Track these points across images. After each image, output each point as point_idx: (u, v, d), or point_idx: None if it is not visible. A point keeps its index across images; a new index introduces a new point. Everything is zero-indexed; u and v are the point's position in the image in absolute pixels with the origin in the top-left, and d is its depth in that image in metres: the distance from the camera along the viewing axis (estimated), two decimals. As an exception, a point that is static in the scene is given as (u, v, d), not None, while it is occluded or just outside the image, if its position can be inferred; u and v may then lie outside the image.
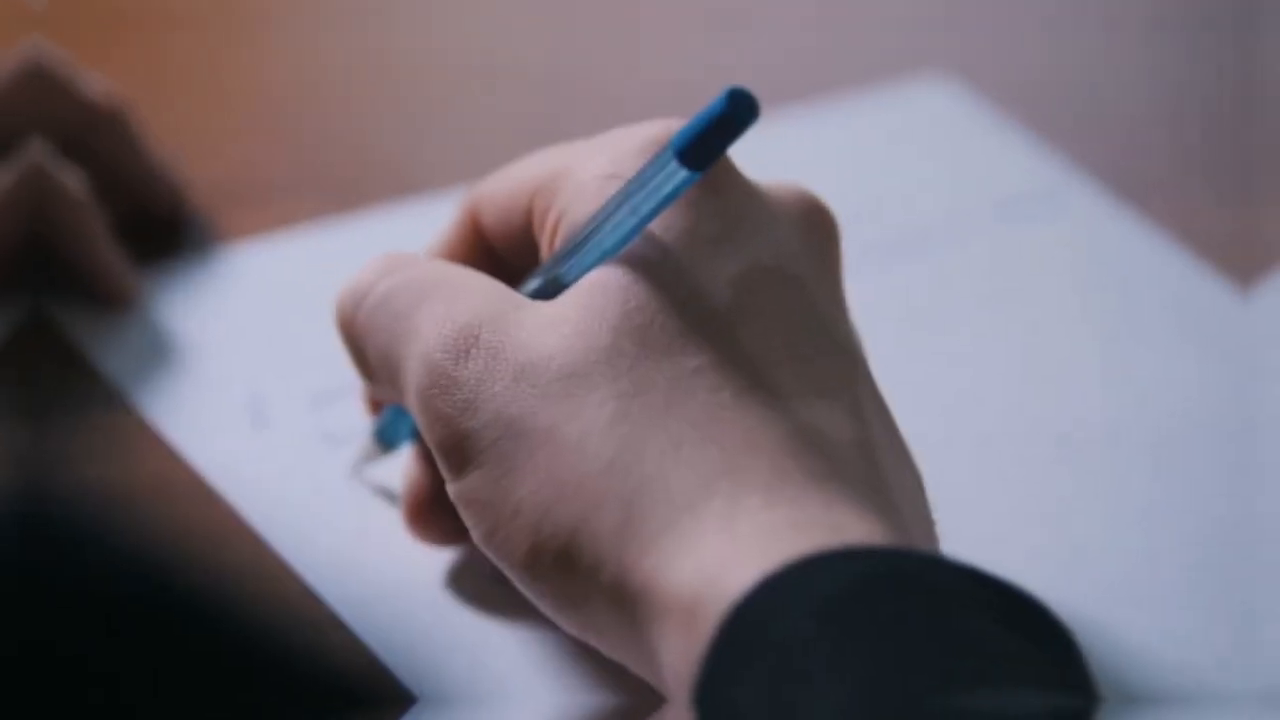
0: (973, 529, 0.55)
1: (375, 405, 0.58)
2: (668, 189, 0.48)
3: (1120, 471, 0.60)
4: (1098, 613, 0.55)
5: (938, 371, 0.64)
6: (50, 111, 0.65)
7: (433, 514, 0.54)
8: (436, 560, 0.55)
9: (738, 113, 0.46)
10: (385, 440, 0.57)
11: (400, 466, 0.56)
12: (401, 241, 0.55)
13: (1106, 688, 0.51)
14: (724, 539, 0.45)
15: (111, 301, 0.65)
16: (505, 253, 0.54)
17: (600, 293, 0.48)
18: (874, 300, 0.60)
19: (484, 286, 0.50)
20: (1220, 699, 0.53)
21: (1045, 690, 0.42)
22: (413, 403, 0.50)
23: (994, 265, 0.69)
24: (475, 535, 0.49)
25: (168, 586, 0.36)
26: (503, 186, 0.53)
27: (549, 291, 0.50)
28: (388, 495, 0.58)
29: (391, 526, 0.56)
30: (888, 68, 0.78)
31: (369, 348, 0.52)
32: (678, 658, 0.45)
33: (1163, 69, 0.81)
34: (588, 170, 0.50)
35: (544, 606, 0.48)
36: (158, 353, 0.63)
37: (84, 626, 0.35)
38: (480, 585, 0.55)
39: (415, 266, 0.52)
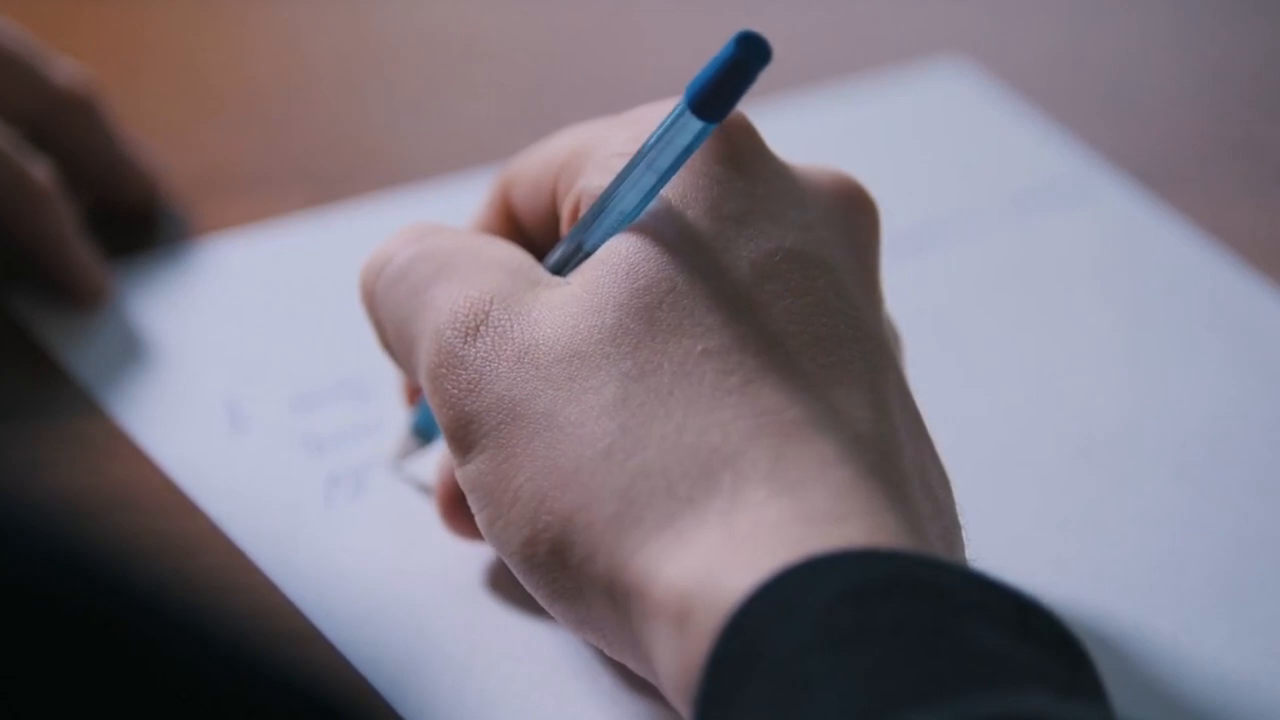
0: (993, 536, 0.55)
1: (413, 394, 0.58)
2: (684, 141, 0.48)
3: (1147, 476, 0.60)
4: (1124, 624, 0.54)
5: (954, 371, 0.64)
6: (15, 97, 0.65)
7: (468, 507, 0.53)
8: (423, 572, 0.55)
9: (749, 56, 0.46)
10: (423, 432, 0.57)
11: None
12: (388, 236, 0.54)
13: (1134, 701, 0.51)
14: (722, 536, 0.44)
15: (81, 299, 0.64)
16: (534, 233, 0.54)
17: (609, 270, 0.48)
18: (885, 296, 0.59)
19: (505, 260, 0.50)
20: (1251, 713, 0.52)
21: (1054, 702, 0.41)
22: (424, 382, 0.49)
23: (1013, 260, 0.69)
24: (479, 523, 0.48)
25: (139, 600, 0.34)
26: (530, 165, 0.53)
27: (573, 262, 0.50)
28: (427, 490, 0.57)
29: (374, 536, 0.56)
30: (898, 50, 0.79)
31: (385, 321, 0.52)
32: (670, 659, 0.44)
33: (1194, 50, 0.81)
34: (609, 147, 0.50)
35: (541, 599, 0.48)
36: (129, 353, 0.62)
37: (47, 644, 0.33)
38: (471, 597, 0.54)
39: (439, 236, 0.51)
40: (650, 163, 0.48)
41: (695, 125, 0.47)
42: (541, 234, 0.53)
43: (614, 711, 0.51)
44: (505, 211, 0.54)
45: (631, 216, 0.48)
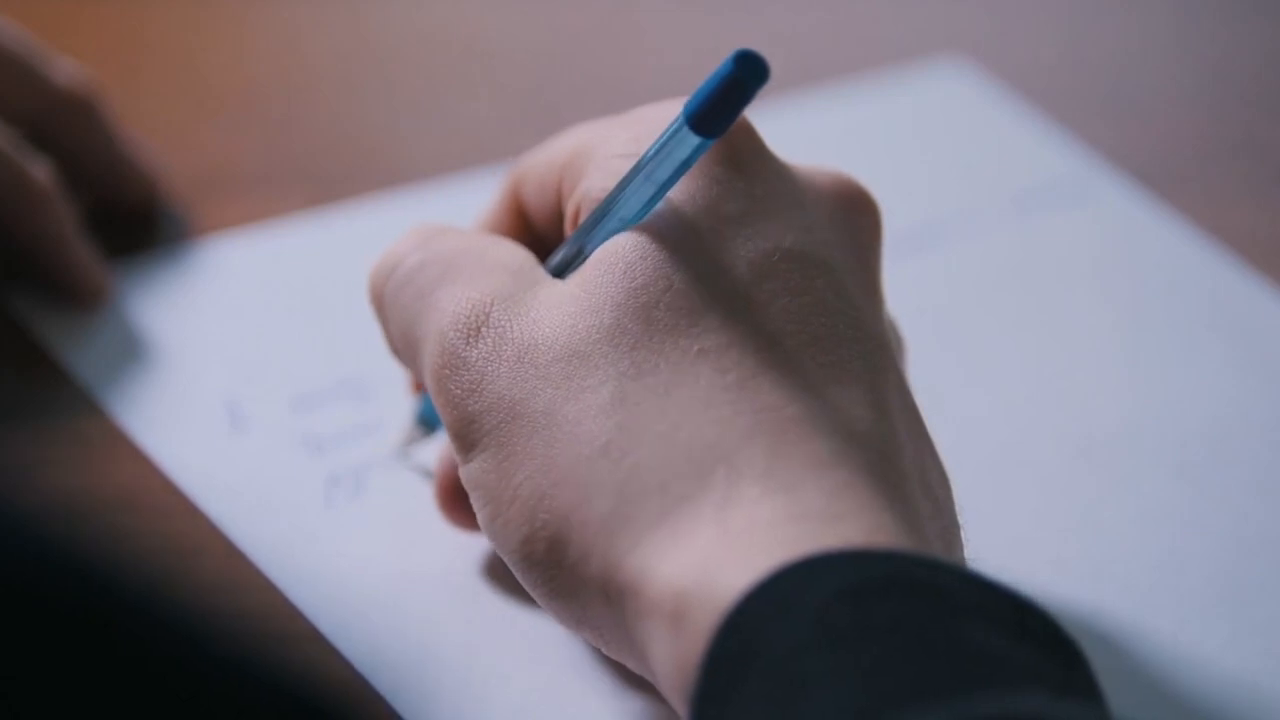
0: (993, 536, 0.56)
1: (418, 386, 0.58)
2: (682, 156, 0.48)
3: (1147, 476, 0.60)
4: (1124, 624, 0.54)
5: (954, 371, 0.64)
6: (15, 97, 0.65)
7: (464, 498, 0.54)
8: (423, 572, 0.55)
9: (746, 75, 0.46)
10: (427, 422, 0.58)
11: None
12: (388, 236, 0.54)
13: (1134, 701, 0.52)
14: (716, 534, 0.44)
15: (81, 299, 0.64)
16: (545, 230, 0.54)
17: (607, 270, 0.48)
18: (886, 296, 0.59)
19: (509, 262, 0.50)
20: (1251, 713, 0.52)
21: (1049, 701, 0.41)
22: (429, 383, 0.50)
23: (1013, 260, 0.69)
24: (480, 521, 0.49)
25: (139, 601, 0.34)
26: (536, 165, 0.53)
27: (573, 266, 0.50)
28: (430, 478, 0.57)
29: (374, 537, 0.56)
30: (898, 50, 0.79)
31: (392, 324, 0.52)
32: (666, 657, 0.44)
33: (1194, 50, 0.81)
34: (610, 148, 0.50)
35: (538, 597, 0.48)
36: (129, 353, 0.62)
37: (41, 645, 0.33)
38: (471, 597, 0.54)
39: (445, 239, 0.52)
40: (649, 175, 0.48)
41: (693, 140, 0.47)
42: (551, 231, 0.53)
43: (614, 711, 0.51)
44: (516, 209, 0.54)
45: (631, 224, 0.49)
